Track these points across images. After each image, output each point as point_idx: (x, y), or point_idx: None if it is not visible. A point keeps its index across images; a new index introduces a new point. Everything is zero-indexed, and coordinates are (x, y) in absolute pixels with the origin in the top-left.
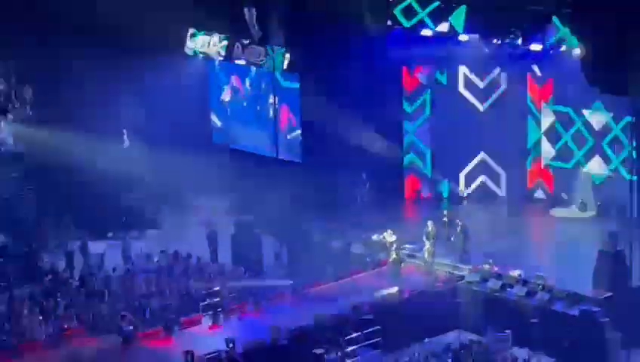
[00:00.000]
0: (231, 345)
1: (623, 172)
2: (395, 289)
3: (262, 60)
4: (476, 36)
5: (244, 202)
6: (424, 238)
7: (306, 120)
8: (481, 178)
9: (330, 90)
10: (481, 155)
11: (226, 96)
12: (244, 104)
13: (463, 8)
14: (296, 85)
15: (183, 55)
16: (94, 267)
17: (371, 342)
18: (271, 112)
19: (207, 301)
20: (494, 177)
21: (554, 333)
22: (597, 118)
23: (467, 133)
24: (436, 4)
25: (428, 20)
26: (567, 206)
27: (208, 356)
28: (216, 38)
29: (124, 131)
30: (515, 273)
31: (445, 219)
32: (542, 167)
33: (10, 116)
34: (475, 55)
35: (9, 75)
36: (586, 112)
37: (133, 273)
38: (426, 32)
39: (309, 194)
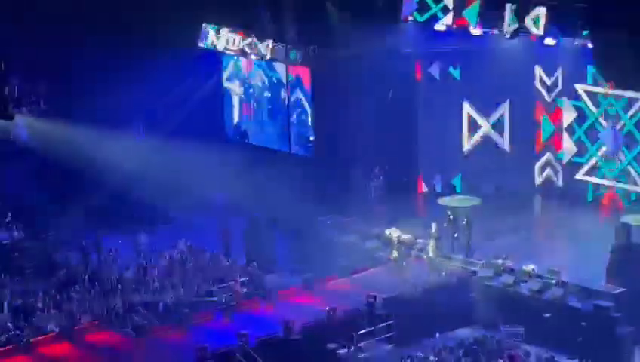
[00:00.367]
0: (244, 340)
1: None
2: (407, 284)
3: (275, 54)
4: (489, 31)
5: (257, 197)
6: (429, 238)
7: (319, 114)
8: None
9: (343, 84)
10: None
11: (239, 90)
12: (257, 99)
13: (477, 3)
14: (309, 79)
15: (196, 49)
16: (108, 261)
17: (384, 336)
18: (284, 107)
19: (220, 296)
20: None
21: (567, 328)
22: None
23: None
24: None
25: (441, 15)
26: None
27: (221, 351)
28: (236, 34)
29: (140, 125)
30: (529, 268)
31: (450, 216)
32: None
33: (24, 110)
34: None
35: (23, 69)
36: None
37: (147, 268)
38: (440, 27)
39: (322, 188)
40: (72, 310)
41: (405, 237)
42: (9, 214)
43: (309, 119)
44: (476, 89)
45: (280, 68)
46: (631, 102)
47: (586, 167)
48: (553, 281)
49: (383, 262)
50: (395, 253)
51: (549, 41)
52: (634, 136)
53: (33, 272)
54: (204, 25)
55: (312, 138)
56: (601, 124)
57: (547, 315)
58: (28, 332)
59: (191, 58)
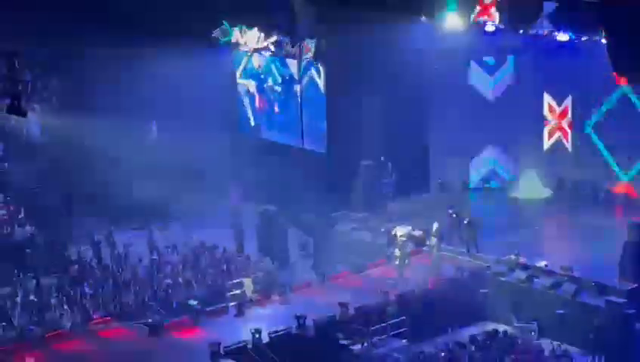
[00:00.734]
0: (257, 336)
1: None
2: (420, 279)
3: (288, 50)
4: (501, 26)
5: (270, 192)
6: (430, 236)
7: (332, 110)
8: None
9: (357, 79)
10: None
11: (252, 86)
12: (271, 94)
13: None
14: (323, 75)
15: (210, 44)
16: (120, 257)
17: (397, 332)
18: (296, 102)
19: (233, 291)
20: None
21: (579, 324)
22: None
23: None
24: None
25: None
26: None
27: (234, 346)
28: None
29: (154, 121)
30: (541, 264)
31: (453, 214)
32: None
33: (36, 107)
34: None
35: (35, 66)
36: None
37: (160, 263)
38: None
39: (335, 184)
40: (85, 306)
41: (417, 233)
42: (22, 210)
43: (322, 114)
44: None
45: (293, 64)
46: None
47: None
48: (566, 277)
49: (393, 259)
50: (397, 252)
51: (562, 37)
52: None
53: (46, 268)
54: (223, 22)
55: (324, 133)
56: None
57: (560, 311)
58: (41, 329)
59: (204, 54)
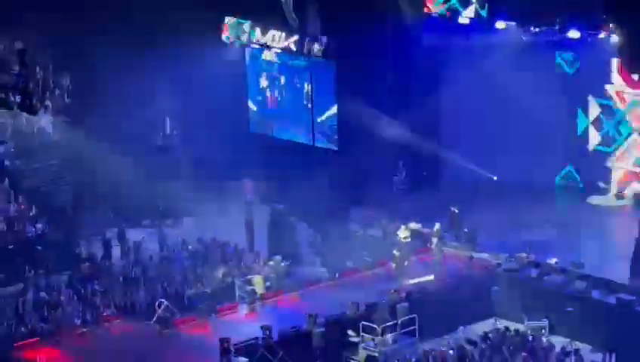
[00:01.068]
0: (267, 333)
1: None
2: (431, 277)
3: (299, 48)
4: (513, 24)
5: (281, 190)
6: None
7: (343, 108)
8: None
9: (367, 77)
10: None
11: (263, 84)
12: (281, 92)
13: None
14: (333, 73)
15: (219, 43)
16: (131, 254)
17: (408, 329)
18: (307, 100)
19: (244, 288)
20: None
21: (590, 322)
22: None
23: None
24: None
25: (458, 6)
26: (604, 194)
27: (244, 343)
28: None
29: (167, 119)
30: (552, 261)
31: (455, 211)
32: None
33: (48, 105)
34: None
35: (47, 64)
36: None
37: (170, 260)
38: (463, 20)
39: (345, 182)
40: (96, 303)
41: (425, 230)
42: (33, 208)
43: (333, 112)
44: None
45: (304, 61)
46: None
47: None
48: (577, 275)
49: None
50: (396, 253)
51: (573, 34)
52: None
53: (57, 265)
54: (232, 20)
55: (335, 131)
56: None
57: (570, 309)
58: (52, 325)
59: (213, 52)
